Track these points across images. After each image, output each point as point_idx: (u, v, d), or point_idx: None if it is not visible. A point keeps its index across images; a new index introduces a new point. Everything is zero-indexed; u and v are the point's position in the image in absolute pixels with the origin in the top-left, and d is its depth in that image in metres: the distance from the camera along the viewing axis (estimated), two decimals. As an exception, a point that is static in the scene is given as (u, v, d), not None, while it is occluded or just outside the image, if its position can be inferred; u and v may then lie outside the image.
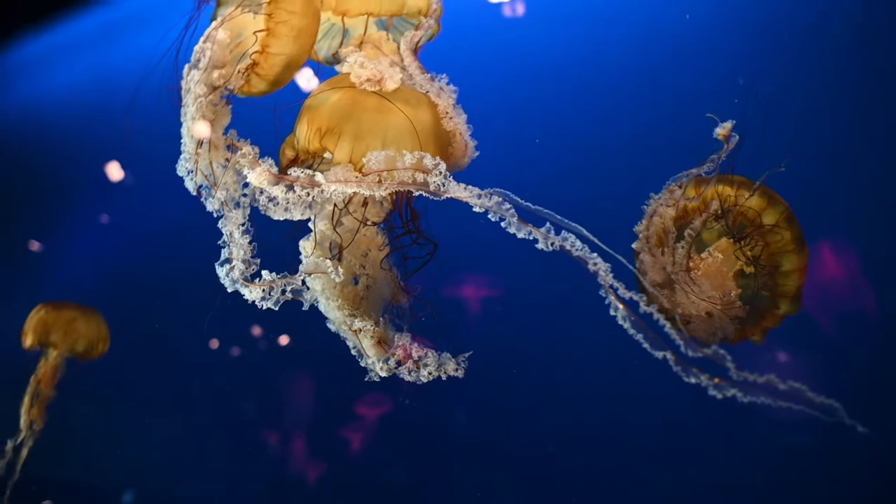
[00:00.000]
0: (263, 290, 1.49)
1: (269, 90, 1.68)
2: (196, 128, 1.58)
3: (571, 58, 2.75)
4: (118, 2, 3.55)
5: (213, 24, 1.66)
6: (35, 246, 3.75)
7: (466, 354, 1.48)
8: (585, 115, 2.72)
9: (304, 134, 1.53)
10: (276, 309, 1.51)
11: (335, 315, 1.59)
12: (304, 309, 1.55)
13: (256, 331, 3.12)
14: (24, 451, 2.38)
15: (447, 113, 1.61)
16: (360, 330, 1.54)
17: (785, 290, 1.58)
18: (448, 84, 1.65)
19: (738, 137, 1.52)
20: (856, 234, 2.27)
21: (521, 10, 2.80)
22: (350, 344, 1.58)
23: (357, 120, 1.49)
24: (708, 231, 1.61)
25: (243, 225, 1.56)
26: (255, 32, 1.61)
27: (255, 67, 1.62)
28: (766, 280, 1.58)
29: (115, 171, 3.48)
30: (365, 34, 1.78)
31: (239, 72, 1.64)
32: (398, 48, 1.77)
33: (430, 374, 1.46)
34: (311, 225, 1.63)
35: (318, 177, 1.51)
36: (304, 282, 1.56)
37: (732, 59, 2.47)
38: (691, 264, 1.54)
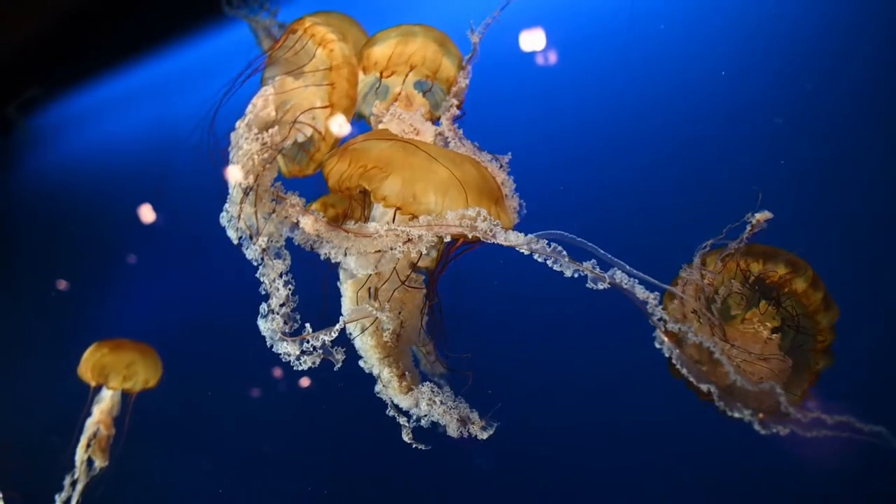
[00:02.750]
0: (302, 347, 1.51)
1: (316, 171, 1.75)
2: (231, 172, 1.63)
3: (604, 105, 2.78)
4: (175, 56, 3.68)
5: (263, 88, 1.71)
6: (62, 285, 3.84)
7: (494, 425, 1.50)
8: (618, 161, 2.74)
9: (344, 170, 1.54)
10: (314, 366, 1.52)
11: (371, 359, 1.63)
12: (336, 368, 1.55)
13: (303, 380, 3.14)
14: (80, 487, 2.41)
15: (498, 180, 1.66)
16: (388, 382, 1.57)
17: (823, 347, 1.62)
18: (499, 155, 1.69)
19: (766, 225, 1.56)
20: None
21: (553, 58, 2.84)
22: (381, 393, 1.61)
23: (409, 166, 1.51)
24: (733, 299, 1.63)
25: (283, 275, 1.58)
26: (313, 109, 1.66)
27: (316, 152, 1.69)
28: (808, 340, 1.61)
29: (147, 213, 3.58)
30: (402, 89, 1.81)
31: (292, 147, 1.70)
32: (428, 104, 1.83)
33: (455, 430, 1.50)
34: (349, 270, 1.65)
35: (371, 226, 1.54)
36: (343, 331, 1.57)
37: (769, 108, 2.49)
38: (729, 335, 1.56)
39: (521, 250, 1.46)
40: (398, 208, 1.52)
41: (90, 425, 2.45)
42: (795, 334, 1.60)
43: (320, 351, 1.51)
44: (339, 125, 1.68)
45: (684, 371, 1.35)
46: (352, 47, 1.74)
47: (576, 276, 1.42)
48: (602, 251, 1.42)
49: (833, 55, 2.43)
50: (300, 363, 1.51)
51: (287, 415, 3.28)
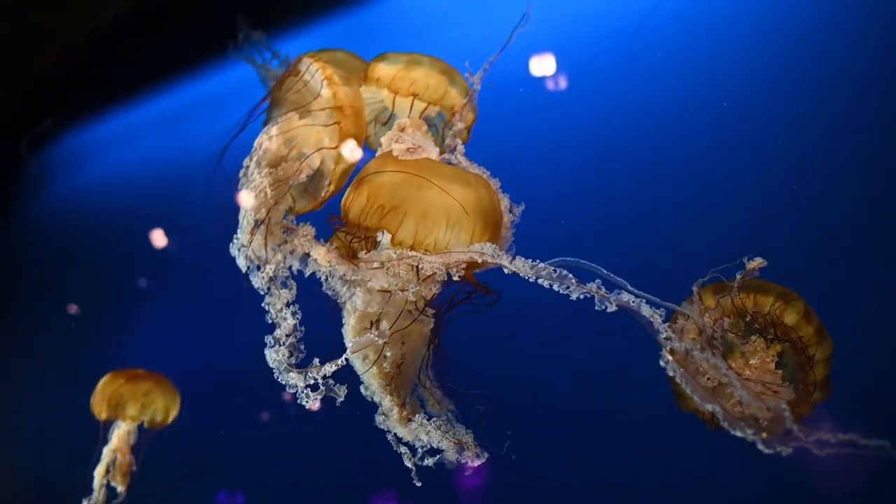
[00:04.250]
0: (308, 379, 1.52)
1: (322, 206, 1.77)
2: (243, 202, 1.65)
3: (614, 132, 2.77)
4: (189, 87, 3.74)
5: (268, 126, 1.73)
6: (73, 309, 3.88)
7: (485, 456, 1.51)
8: (626, 186, 2.73)
9: (362, 208, 1.55)
10: (316, 404, 1.54)
11: (373, 387, 1.64)
12: (339, 403, 1.56)
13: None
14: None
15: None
16: (389, 411, 1.58)
17: (815, 380, 1.60)
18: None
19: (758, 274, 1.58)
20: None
21: (563, 83, 2.83)
22: (382, 424, 1.62)
23: (423, 203, 1.51)
24: (730, 335, 1.64)
25: (290, 305, 1.59)
26: (321, 149, 1.67)
27: (329, 190, 1.70)
28: (799, 372, 1.61)
29: (159, 238, 3.62)
30: (409, 116, 1.85)
31: (302, 181, 1.73)
32: (434, 138, 1.83)
33: (453, 456, 1.52)
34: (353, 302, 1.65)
35: (383, 255, 1.55)
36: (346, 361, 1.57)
37: (775, 128, 2.49)
38: (737, 368, 1.56)
39: (528, 277, 1.47)
40: (411, 246, 1.53)
41: (107, 453, 2.46)
42: (795, 365, 1.61)
43: (323, 388, 1.52)
44: (351, 150, 1.70)
45: (689, 390, 1.36)
46: (356, 84, 1.77)
47: (581, 297, 1.43)
48: (605, 271, 1.43)
49: (835, 65, 2.44)
50: (306, 397, 1.52)
51: (302, 440, 3.28)
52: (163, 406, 2.53)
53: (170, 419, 2.57)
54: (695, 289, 1.56)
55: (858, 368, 2.02)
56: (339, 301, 1.66)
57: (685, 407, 1.66)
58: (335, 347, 1.61)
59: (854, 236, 2.31)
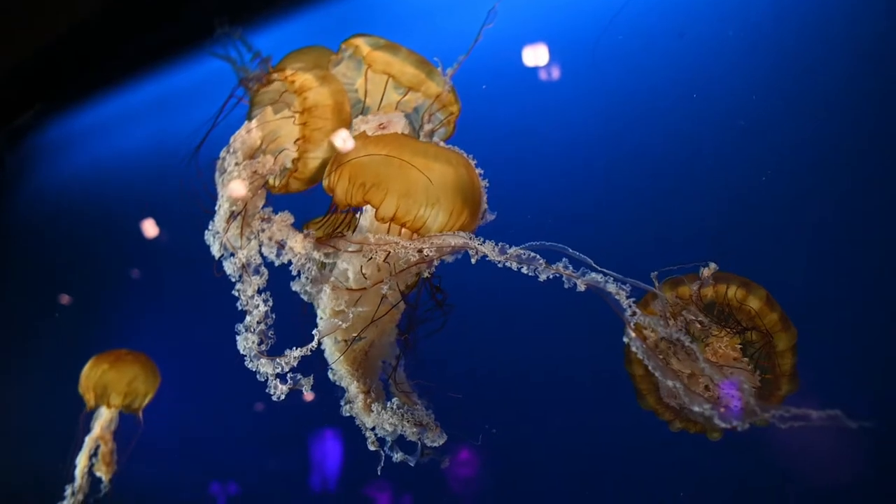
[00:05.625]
0: (278, 367, 1.51)
1: (306, 188, 1.76)
2: (231, 187, 1.65)
3: (604, 124, 2.77)
4: (172, 76, 3.75)
5: (246, 124, 1.75)
6: (65, 300, 3.89)
7: (443, 438, 1.51)
8: (593, 177, 2.73)
9: (345, 187, 1.56)
10: (282, 396, 1.53)
11: (340, 372, 1.64)
12: (305, 392, 1.56)
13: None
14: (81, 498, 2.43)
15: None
16: (354, 397, 1.58)
17: (783, 370, 1.60)
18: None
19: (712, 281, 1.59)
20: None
21: (556, 73, 2.86)
22: (347, 411, 1.62)
23: (405, 177, 1.52)
24: (692, 327, 1.62)
25: (261, 292, 1.60)
26: (293, 142, 1.68)
27: (294, 172, 1.70)
28: (764, 363, 1.61)
29: (150, 228, 3.64)
30: (380, 103, 1.84)
31: (277, 172, 1.73)
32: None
33: (414, 436, 1.51)
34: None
35: (360, 237, 1.56)
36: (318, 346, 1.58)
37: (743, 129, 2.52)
38: (706, 358, 1.55)
39: (497, 261, 1.47)
40: (392, 220, 1.55)
41: (90, 441, 2.47)
42: (760, 358, 1.62)
43: (291, 382, 1.53)
44: (343, 140, 1.69)
45: (651, 367, 1.37)
46: (336, 82, 1.79)
47: (550, 277, 1.43)
48: (571, 250, 1.44)
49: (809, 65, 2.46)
50: (275, 388, 1.52)
51: (296, 431, 3.30)
52: (143, 392, 2.54)
53: (145, 404, 2.57)
54: (655, 281, 1.57)
55: (827, 361, 2.04)
56: (309, 297, 1.66)
57: (646, 405, 1.68)
58: (308, 335, 1.62)
59: (825, 228, 2.32)
